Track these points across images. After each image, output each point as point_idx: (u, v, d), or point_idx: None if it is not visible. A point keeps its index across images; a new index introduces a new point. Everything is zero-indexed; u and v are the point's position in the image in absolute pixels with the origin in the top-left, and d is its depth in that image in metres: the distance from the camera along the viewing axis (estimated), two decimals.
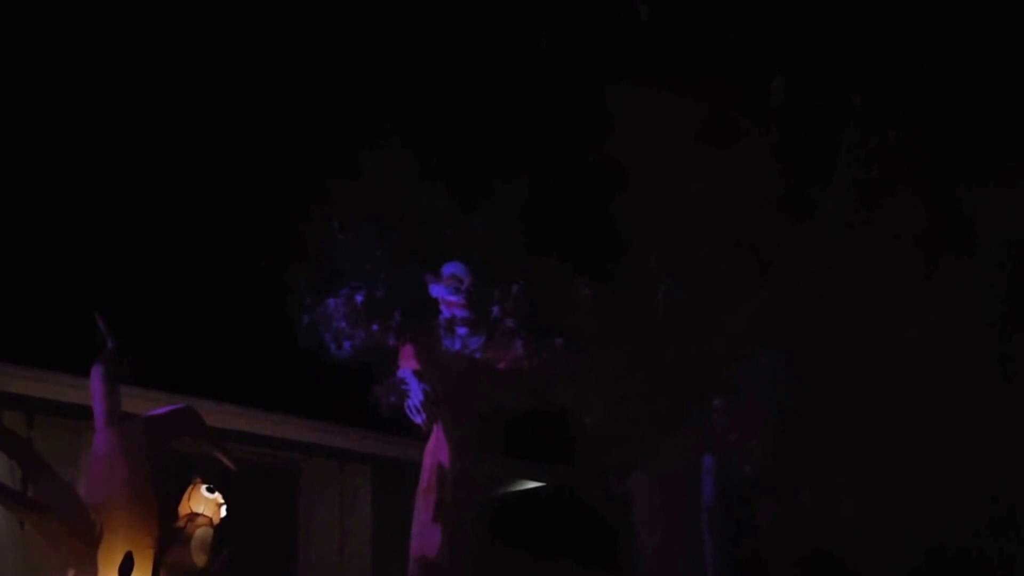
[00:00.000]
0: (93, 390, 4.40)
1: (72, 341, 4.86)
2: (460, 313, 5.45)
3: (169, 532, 4.57)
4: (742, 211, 6.36)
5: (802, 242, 6.27)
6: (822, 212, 6.32)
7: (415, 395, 5.37)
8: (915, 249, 6.19)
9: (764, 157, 6.48)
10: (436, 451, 5.50)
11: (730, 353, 6.16)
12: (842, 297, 6.10)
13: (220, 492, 4.89)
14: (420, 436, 5.61)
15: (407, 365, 5.54)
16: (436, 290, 5.52)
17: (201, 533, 4.72)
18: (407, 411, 5.44)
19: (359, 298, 5.51)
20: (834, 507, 6.03)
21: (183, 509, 4.81)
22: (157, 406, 4.73)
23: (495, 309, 5.46)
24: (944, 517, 6.34)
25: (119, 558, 4.11)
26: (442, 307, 5.53)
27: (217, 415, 5.92)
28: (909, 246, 6.17)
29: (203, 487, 4.84)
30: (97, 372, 4.40)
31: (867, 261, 6.16)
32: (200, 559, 4.67)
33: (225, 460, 4.65)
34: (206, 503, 4.82)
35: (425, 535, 5.39)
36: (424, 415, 5.37)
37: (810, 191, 6.43)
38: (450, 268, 5.51)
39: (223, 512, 4.85)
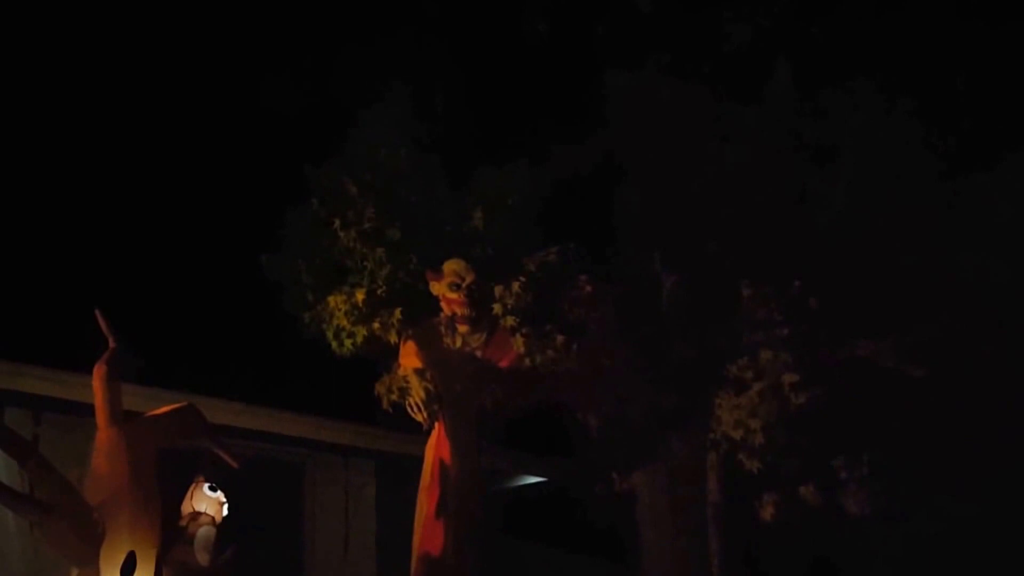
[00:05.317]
0: (95, 389, 4.39)
1: (78, 339, 4.85)
2: (461, 310, 5.43)
3: (172, 531, 4.57)
4: (748, 207, 6.32)
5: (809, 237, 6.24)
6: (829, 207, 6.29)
7: (416, 393, 5.37)
8: (927, 243, 6.15)
9: (770, 150, 6.45)
10: (438, 447, 5.49)
11: (735, 349, 6.13)
12: (849, 294, 6.07)
13: (224, 490, 4.88)
14: (423, 431, 5.60)
15: (408, 362, 5.53)
16: (436, 287, 5.50)
17: (204, 532, 4.72)
18: (408, 409, 5.44)
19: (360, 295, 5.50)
20: (838, 504, 6.01)
21: (186, 508, 4.81)
22: (160, 404, 4.72)
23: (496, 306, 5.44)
24: (949, 514, 6.32)
25: (122, 558, 4.09)
26: (443, 304, 5.51)
27: (221, 412, 5.92)
28: (922, 239, 6.14)
29: (205, 486, 4.84)
30: (99, 371, 4.39)
31: (875, 254, 6.13)
32: (203, 558, 4.68)
33: (227, 458, 4.64)
34: (208, 502, 4.82)
35: (428, 531, 5.40)
36: (425, 413, 5.37)
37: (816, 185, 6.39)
38: (451, 264, 5.48)
39: (225, 511, 4.85)
